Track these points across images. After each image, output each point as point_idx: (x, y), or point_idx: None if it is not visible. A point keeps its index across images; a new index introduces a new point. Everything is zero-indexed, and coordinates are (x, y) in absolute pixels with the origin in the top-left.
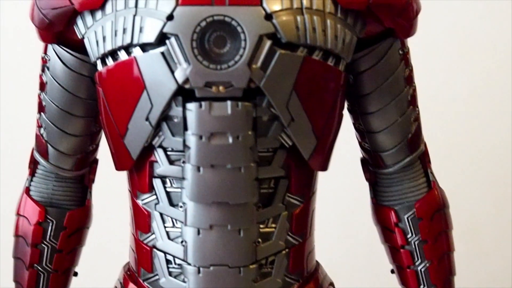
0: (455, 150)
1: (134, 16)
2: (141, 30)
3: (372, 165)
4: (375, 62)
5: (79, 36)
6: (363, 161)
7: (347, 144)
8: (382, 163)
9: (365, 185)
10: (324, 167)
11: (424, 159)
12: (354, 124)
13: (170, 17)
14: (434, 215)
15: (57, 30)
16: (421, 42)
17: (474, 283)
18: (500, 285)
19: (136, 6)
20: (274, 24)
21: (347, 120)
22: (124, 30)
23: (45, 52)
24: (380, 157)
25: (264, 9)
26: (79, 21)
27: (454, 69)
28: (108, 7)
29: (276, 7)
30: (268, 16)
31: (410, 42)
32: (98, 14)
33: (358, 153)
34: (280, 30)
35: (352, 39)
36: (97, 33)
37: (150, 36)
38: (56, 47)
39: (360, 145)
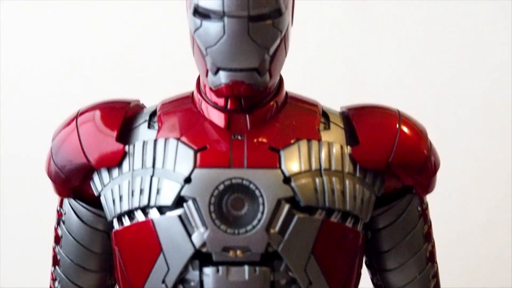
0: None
1: (152, 177)
2: (158, 192)
3: None
4: (393, 219)
5: (95, 193)
6: None
7: None
8: None
9: None
10: None
11: None
12: (372, 279)
13: (187, 180)
14: None
15: (73, 185)
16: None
17: (474, 283)
18: (500, 285)
19: (153, 166)
20: (292, 187)
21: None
22: (141, 191)
23: (61, 205)
24: None
25: (283, 172)
26: (96, 177)
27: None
28: (125, 165)
29: (295, 169)
30: (287, 179)
31: None
32: (115, 172)
33: None
34: (298, 194)
35: (370, 198)
36: (114, 191)
37: (167, 199)
38: (72, 201)
39: None
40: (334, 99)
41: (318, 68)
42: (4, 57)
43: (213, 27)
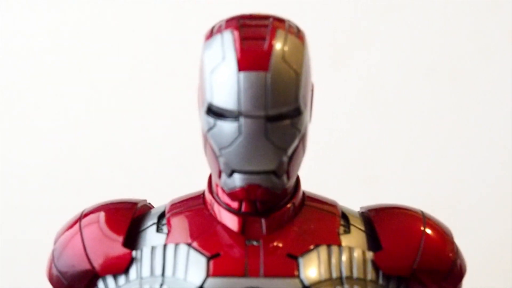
0: None
1: (161, 285)
2: None
3: None
4: None
5: None
6: None
7: None
8: None
9: None
10: None
11: None
12: None
13: None
14: None
15: None
16: None
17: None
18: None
19: (163, 274)
20: None
21: None
22: None
23: None
24: None
25: (302, 281)
26: (101, 284)
27: None
28: (133, 272)
29: (315, 278)
30: None
31: None
32: (121, 279)
33: None
34: None
35: None
36: None
37: None
38: None
39: None
40: (348, 190)
41: (330, 158)
42: (4, 57)
43: (228, 127)
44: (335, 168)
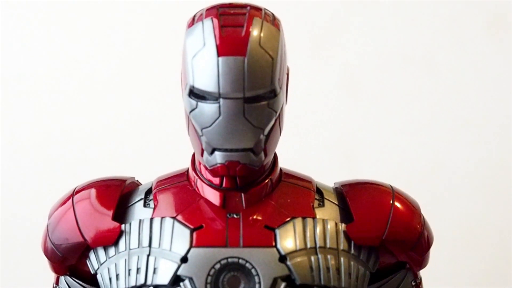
0: None
1: (148, 256)
2: (155, 271)
3: None
4: None
5: (92, 271)
6: None
7: None
8: None
9: None
10: None
11: None
12: None
13: (184, 259)
14: None
15: (70, 263)
16: None
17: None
18: (500, 285)
19: (150, 245)
20: (288, 266)
21: None
22: (138, 270)
23: (57, 283)
24: None
25: (278, 251)
26: (92, 256)
27: None
28: (122, 244)
29: (290, 248)
30: (282, 258)
31: None
32: (111, 251)
33: None
34: (294, 272)
35: (365, 274)
36: (110, 270)
37: (164, 278)
38: (68, 279)
39: None
40: (327, 171)
41: (310, 140)
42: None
43: (208, 108)
44: (315, 147)
